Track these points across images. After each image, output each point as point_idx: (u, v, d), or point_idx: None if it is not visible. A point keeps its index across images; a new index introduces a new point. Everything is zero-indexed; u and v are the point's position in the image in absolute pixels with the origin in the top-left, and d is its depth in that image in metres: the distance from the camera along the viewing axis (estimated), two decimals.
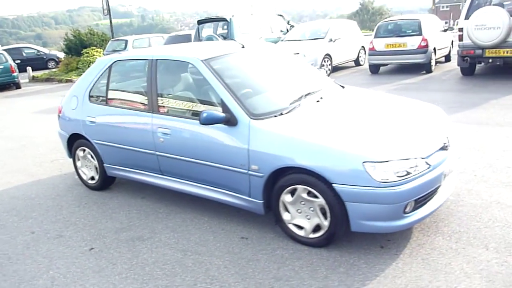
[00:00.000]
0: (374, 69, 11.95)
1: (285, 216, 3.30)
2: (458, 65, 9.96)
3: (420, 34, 10.97)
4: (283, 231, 3.39)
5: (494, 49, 9.01)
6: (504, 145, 5.10)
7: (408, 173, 2.88)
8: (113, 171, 4.48)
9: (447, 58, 12.83)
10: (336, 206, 2.99)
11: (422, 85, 9.75)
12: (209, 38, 12.59)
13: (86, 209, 4.31)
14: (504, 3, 9.33)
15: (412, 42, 10.94)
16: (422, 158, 2.98)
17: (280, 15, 15.59)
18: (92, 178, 4.75)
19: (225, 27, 13.63)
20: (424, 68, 11.25)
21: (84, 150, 4.69)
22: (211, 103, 3.66)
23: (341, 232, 3.10)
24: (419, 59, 10.98)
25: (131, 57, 4.51)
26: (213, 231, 3.64)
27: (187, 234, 3.63)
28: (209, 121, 3.32)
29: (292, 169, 3.13)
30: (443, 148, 3.23)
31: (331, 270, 2.94)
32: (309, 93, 3.79)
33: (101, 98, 4.45)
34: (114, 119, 4.25)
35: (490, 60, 9.22)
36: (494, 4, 9.30)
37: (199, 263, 3.17)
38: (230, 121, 3.36)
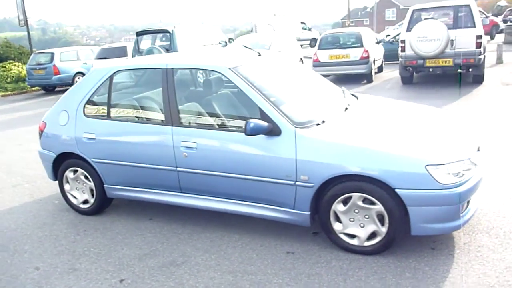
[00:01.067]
0: None
1: (336, 226, 3.21)
2: (400, 74, 10.64)
3: (362, 45, 11.57)
4: (332, 242, 3.29)
5: (434, 59, 9.76)
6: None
7: (463, 174, 2.95)
8: (115, 192, 4.05)
9: (380, 68, 13.64)
10: (396, 211, 2.97)
11: (370, 94, 10.23)
12: (150, 51, 12.09)
13: (89, 237, 3.84)
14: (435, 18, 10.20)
15: (355, 54, 11.49)
16: (469, 159, 3.08)
17: (303, 23, 15.44)
18: (85, 202, 4.25)
19: (164, 39, 13.24)
20: (365, 78, 11.84)
21: (75, 171, 4.19)
22: (242, 113, 3.48)
23: (400, 237, 3.08)
24: (361, 69, 11.54)
25: (136, 66, 4.12)
26: (252, 248, 3.43)
27: (224, 254, 3.37)
28: (256, 131, 3.14)
29: (346, 177, 3.06)
30: (478, 148, 3.37)
31: (398, 277, 2.90)
32: (335, 101, 3.76)
33: (101, 112, 4.02)
34: (120, 134, 3.86)
35: (431, 69, 9.97)
36: (426, 19, 10.11)
37: (256, 283, 2.96)
38: (273, 130, 3.21)
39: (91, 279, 3.17)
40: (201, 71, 4.03)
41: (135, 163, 3.80)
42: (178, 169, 3.61)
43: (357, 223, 3.15)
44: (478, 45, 9.45)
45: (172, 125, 3.61)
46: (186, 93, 3.72)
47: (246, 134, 3.15)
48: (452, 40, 9.47)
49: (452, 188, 2.88)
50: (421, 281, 2.84)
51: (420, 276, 2.89)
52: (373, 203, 3.04)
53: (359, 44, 11.61)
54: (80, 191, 4.28)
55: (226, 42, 14.68)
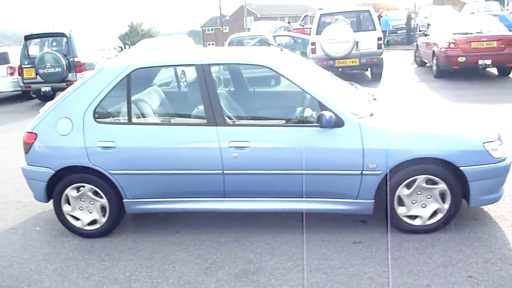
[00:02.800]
0: None
1: (400, 210, 3.35)
2: None
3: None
4: (394, 226, 3.40)
5: (343, 60, 10.62)
6: None
7: (502, 149, 3.36)
8: (138, 206, 3.57)
9: None
10: (458, 188, 3.24)
11: None
12: (42, 57, 10.76)
13: (121, 261, 3.32)
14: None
15: None
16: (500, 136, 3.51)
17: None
18: (93, 223, 3.66)
19: (55, 43, 11.96)
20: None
21: (79, 188, 3.58)
22: (293, 107, 3.40)
23: (458, 211, 3.35)
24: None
25: (160, 63, 3.66)
26: (316, 244, 3.36)
27: (293, 254, 3.25)
28: (331, 123, 3.11)
29: (412, 161, 3.22)
30: None
31: (467, 246, 3.16)
32: (361, 94, 3.91)
33: (119, 116, 3.51)
34: (148, 140, 3.42)
35: (340, 69, 10.82)
36: (334, 22, 10.98)
37: (353, 275, 2.93)
38: (337, 122, 3.21)
39: None
40: (240, 67, 3.78)
41: (168, 171, 3.41)
42: (225, 172, 3.35)
43: (419, 204, 3.34)
44: (379, 46, 10.59)
45: (216, 125, 3.33)
46: (226, 90, 3.47)
47: (321, 127, 3.10)
48: (357, 42, 10.42)
49: (503, 161, 3.25)
50: (483, 246, 3.13)
51: (481, 243, 3.18)
52: (435, 183, 3.25)
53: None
54: (85, 211, 3.66)
55: (121, 47, 13.89)
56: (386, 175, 3.23)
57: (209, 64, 3.41)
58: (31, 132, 3.58)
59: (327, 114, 3.09)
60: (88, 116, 3.47)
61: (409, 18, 22.05)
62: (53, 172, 3.54)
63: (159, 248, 3.47)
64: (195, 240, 3.55)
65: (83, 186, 3.58)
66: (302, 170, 3.28)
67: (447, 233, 3.36)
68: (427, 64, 12.14)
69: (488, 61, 9.67)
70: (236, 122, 3.40)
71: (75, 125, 3.48)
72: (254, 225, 3.68)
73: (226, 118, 3.37)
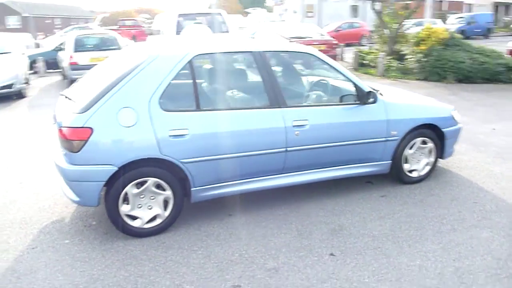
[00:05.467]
0: None
1: (405, 166, 4.35)
2: None
3: (120, 48, 11.58)
4: (399, 180, 4.39)
5: None
6: None
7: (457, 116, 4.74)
8: (205, 193, 3.56)
9: None
10: (439, 145, 4.45)
11: None
12: None
13: (204, 249, 3.32)
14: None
15: None
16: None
17: None
18: (153, 219, 3.45)
19: None
20: None
21: (142, 184, 3.34)
22: (335, 88, 4.03)
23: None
24: None
25: (219, 50, 3.60)
26: (351, 199, 4.06)
27: (352, 215, 3.87)
28: (376, 100, 3.86)
29: (415, 127, 4.26)
30: None
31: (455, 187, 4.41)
32: None
33: (186, 103, 3.41)
34: (219, 125, 3.47)
35: None
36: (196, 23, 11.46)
37: (414, 223, 3.78)
38: (375, 99, 4.00)
39: (300, 268, 3.06)
40: (289, 55, 4.03)
41: (237, 154, 3.55)
42: (288, 149, 3.71)
43: (416, 160, 4.41)
44: None
45: (280, 107, 3.66)
46: (282, 75, 3.75)
47: (363, 104, 3.85)
48: None
49: (459, 124, 4.61)
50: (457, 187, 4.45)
51: (451, 184, 4.49)
52: (425, 143, 4.38)
53: (117, 47, 11.55)
54: (145, 208, 3.41)
55: None
56: (402, 139, 4.18)
57: (264, 52, 3.69)
58: (84, 127, 3.13)
59: (373, 93, 3.84)
60: (153, 105, 3.28)
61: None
62: (115, 169, 3.20)
63: (227, 232, 3.56)
64: (253, 218, 3.75)
65: (145, 182, 3.34)
66: (348, 141, 3.94)
67: (431, 179, 4.54)
68: None
69: None
70: (295, 103, 3.78)
71: (140, 115, 3.24)
72: (291, 197, 4.10)
73: (286, 99, 3.72)
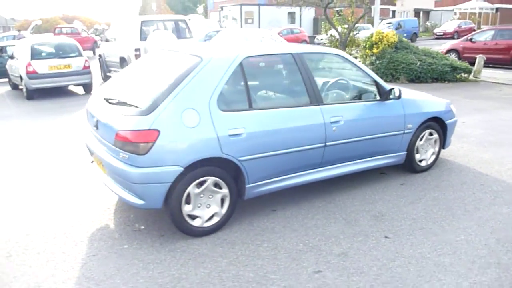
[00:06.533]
0: (34, 94, 10.78)
1: (417, 156, 4.78)
2: None
3: (81, 55, 11.19)
4: (411, 169, 4.80)
5: None
6: None
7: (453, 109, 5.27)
8: (256, 190, 3.69)
9: None
10: (442, 136, 4.94)
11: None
12: None
13: (252, 243, 3.47)
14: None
15: (77, 64, 10.96)
16: None
17: None
18: (210, 218, 3.53)
19: None
20: (87, 88, 11.51)
21: (201, 184, 3.41)
22: (360, 85, 4.36)
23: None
24: (85, 79, 11.17)
25: (264, 52, 3.75)
26: (377, 187, 4.40)
27: (383, 201, 4.20)
28: (400, 96, 4.24)
29: (425, 120, 4.70)
30: None
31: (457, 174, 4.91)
32: None
33: (240, 102, 3.53)
34: (270, 123, 3.63)
35: None
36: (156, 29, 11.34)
37: (436, 204, 4.18)
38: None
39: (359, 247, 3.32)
40: (319, 56, 4.24)
41: (285, 150, 3.73)
42: (327, 144, 3.96)
43: (424, 150, 4.85)
44: None
45: (318, 105, 3.90)
46: (318, 75, 3.99)
47: (396, 99, 4.18)
48: None
49: (456, 117, 5.13)
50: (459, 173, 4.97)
51: (452, 171, 5.01)
52: (432, 135, 4.84)
53: (77, 54, 11.13)
54: (204, 207, 3.48)
55: None
56: (415, 132, 4.60)
57: (302, 53, 3.92)
58: (151, 129, 3.15)
59: (396, 90, 4.20)
60: (212, 105, 3.37)
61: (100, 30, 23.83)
62: (181, 169, 3.25)
63: (280, 227, 3.74)
64: (304, 213, 3.96)
65: (204, 181, 3.42)
66: (374, 135, 4.27)
67: (436, 168, 5.01)
68: None
69: None
70: (330, 101, 4.03)
71: (202, 116, 3.32)
72: (326, 190, 4.35)
73: (323, 97, 3.97)
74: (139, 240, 3.48)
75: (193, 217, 3.45)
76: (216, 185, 3.48)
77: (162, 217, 3.78)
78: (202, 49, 3.77)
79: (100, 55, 13.31)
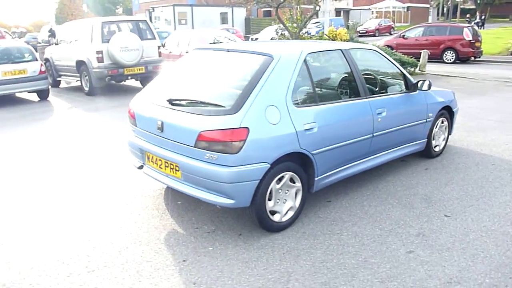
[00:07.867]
0: None
1: (434, 142, 5.20)
2: (94, 85, 10.68)
3: (36, 59, 10.43)
4: (428, 155, 5.20)
5: (132, 68, 10.76)
6: None
7: None
8: (323, 181, 3.82)
9: None
10: (451, 123, 5.42)
11: (80, 106, 9.83)
12: None
13: (338, 234, 3.63)
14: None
15: (33, 68, 10.20)
16: None
17: None
18: (286, 212, 3.60)
19: None
20: (42, 95, 10.75)
21: (280, 179, 3.48)
22: (393, 79, 4.68)
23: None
24: (41, 85, 10.42)
25: (321, 49, 3.96)
26: (399, 172, 4.74)
27: (414, 183, 4.52)
28: (430, 88, 4.60)
29: (441, 109, 5.13)
30: None
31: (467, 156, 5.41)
32: None
33: (309, 97, 3.63)
34: (335, 117, 3.78)
35: (130, 77, 10.90)
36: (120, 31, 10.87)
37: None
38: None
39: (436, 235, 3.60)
40: (358, 51, 4.40)
41: (346, 142, 3.89)
42: (374, 134, 4.20)
43: (438, 136, 5.28)
44: (160, 54, 11.36)
45: (367, 98, 4.13)
46: (362, 68, 4.19)
47: (427, 90, 4.53)
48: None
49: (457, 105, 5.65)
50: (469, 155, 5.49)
51: (460, 152, 5.52)
52: (443, 122, 5.29)
53: (32, 58, 10.36)
54: (281, 202, 3.54)
55: None
56: (434, 120, 5.00)
57: (348, 49, 4.12)
58: (241, 127, 3.15)
59: (426, 83, 4.56)
60: (288, 101, 3.44)
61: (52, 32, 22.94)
62: (268, 166, 3.28)
63: (347, 216, 3.91)
64: (363, 200, 4.16)
65: (283, 176, 3.48)
66: (407, 124, 4.59)
67: (445, 152, 5.47)
68: None
69: None
70: (375, 93, 4.27)
71: (282, 112, 3.38)
72: (367, 179, 4.59)
73: (369, 90, 4.20)
74: (219, 242, 3.44)
75: (273, 213, 3.49)
76: (291, 179, 3.55)
77: (225, 216, 3.77)
78: (268, 48, 3.83)
79: (46, 59, 12.43)
